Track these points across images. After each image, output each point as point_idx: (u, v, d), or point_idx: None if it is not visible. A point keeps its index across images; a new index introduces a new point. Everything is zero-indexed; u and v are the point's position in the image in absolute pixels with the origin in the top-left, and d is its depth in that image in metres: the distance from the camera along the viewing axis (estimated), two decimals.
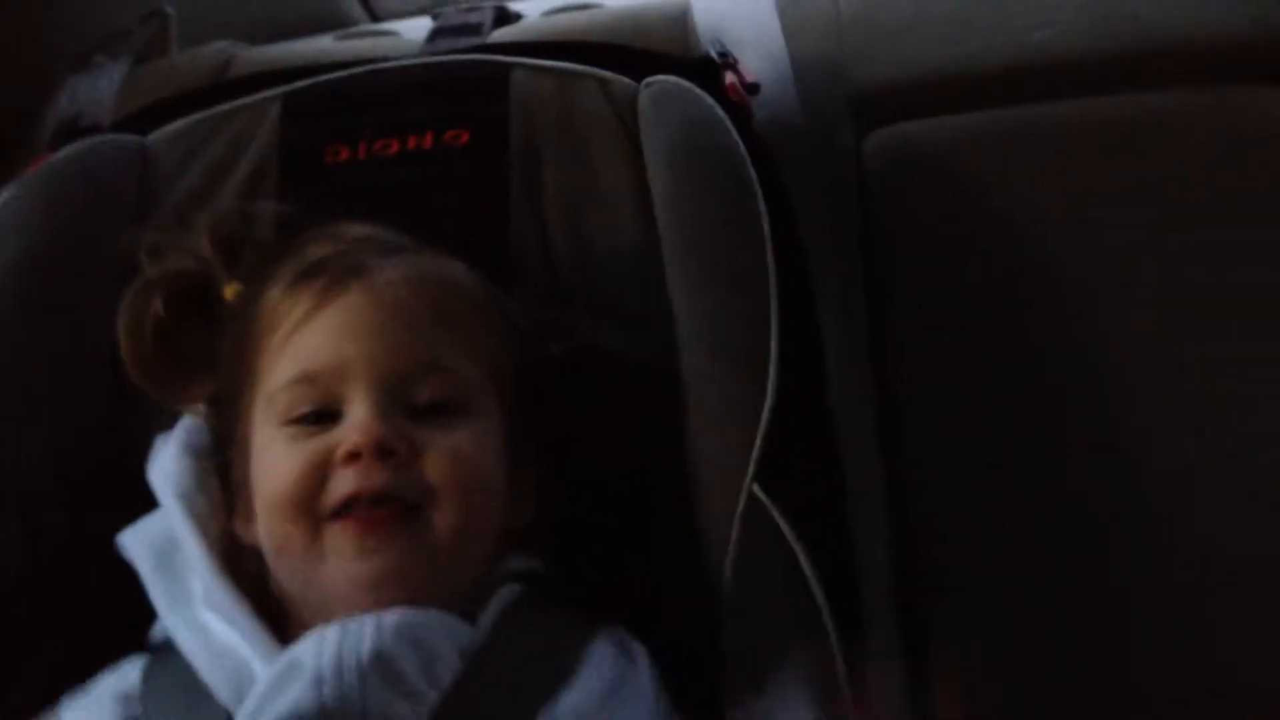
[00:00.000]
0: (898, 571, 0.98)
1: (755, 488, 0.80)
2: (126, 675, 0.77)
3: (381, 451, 0.73)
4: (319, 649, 0.70)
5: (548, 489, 0.81)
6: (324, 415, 0.76)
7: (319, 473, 0.74)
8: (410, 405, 0.76)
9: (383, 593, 0.73)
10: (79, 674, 0.78)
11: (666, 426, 0.84)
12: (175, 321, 0.83)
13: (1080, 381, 1.02)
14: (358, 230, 0.83)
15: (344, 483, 0.73)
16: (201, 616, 0.76)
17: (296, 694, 0.69)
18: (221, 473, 0.81)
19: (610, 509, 0.83)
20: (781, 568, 0.79)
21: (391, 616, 0.72)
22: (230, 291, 0.83)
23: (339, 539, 0.73)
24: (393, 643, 0.71)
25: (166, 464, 0.82)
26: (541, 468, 0.82)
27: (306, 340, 0.77)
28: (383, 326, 0.77)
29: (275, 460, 0.76)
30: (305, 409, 0.76)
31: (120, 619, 0.80)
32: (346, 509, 0.73)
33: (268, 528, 0.76)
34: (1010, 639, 0.99)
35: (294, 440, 0.75)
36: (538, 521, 0.81)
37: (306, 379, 0.76)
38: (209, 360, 0.83)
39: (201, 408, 0.84)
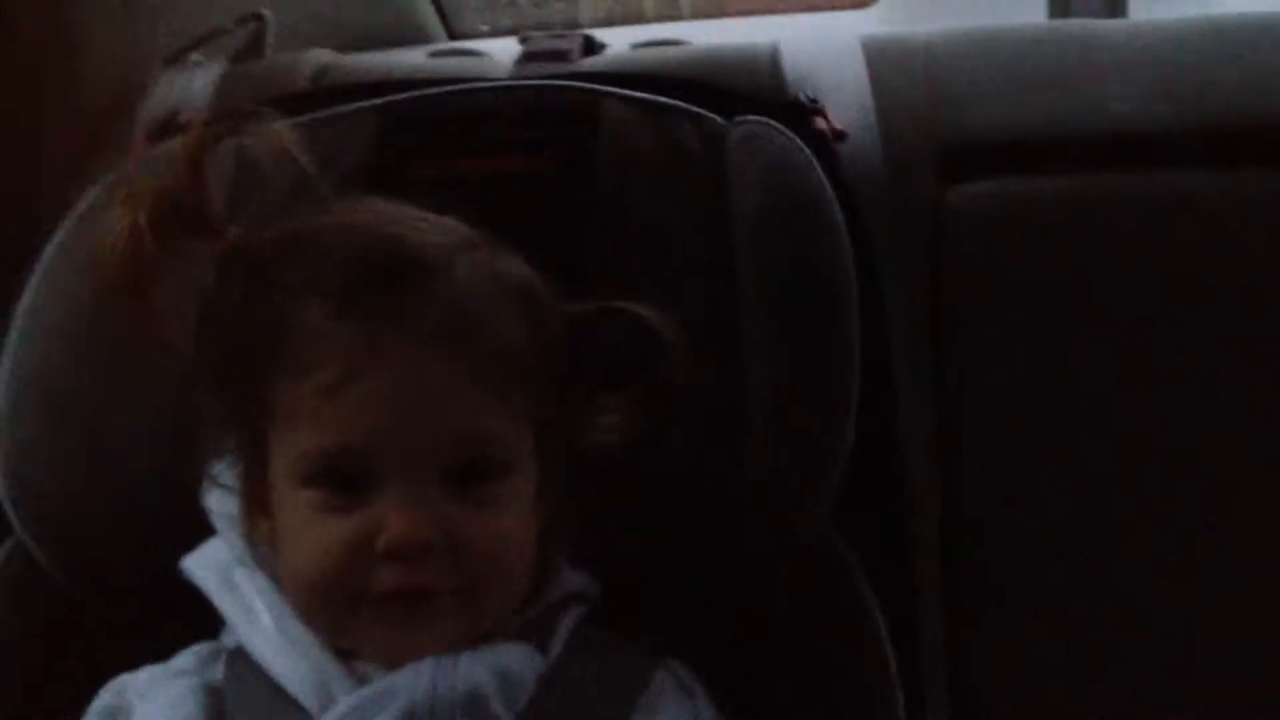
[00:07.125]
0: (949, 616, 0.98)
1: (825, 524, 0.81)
2: (210, 664, 0.78)
3: (423, 549, 0.71)
4: (414, 682, 0.71)
5: (583, 487, 0.78)
6: (353, 483, 0.72)
7: (359, 559, 0.71)
8: (449, 475, 0.72)
9: (425, 653, 0.73)
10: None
11: (723, 443, 0.84)
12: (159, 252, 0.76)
13: (1137, 448, 1.03)
14: (391, 228, 0.77)
15: (388, 577, 0.71)
16: (275, 636, 0.75)
17: None
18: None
19: (660, 526, 0.83)
20: (848, 609, 0.80)
21: (485, 655, 0.73)
22: (233, 234, 0.76)
23: (381, 617, 0.72)
24: (485, 681, 0.72)
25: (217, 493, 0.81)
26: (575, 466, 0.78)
27: (340, 408, 0.71)
28: (420, 402, 0.72)
29: (304, 532, 0.72)
30: (335, 477, 0.72)
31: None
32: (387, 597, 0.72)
33: (296, 596, 0.75)
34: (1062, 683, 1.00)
35: (323, 512, 0.72)
36: (586, 531, 0.80)
37: (337, 453, 0.71)
38: (202, 310, 0.76)
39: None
